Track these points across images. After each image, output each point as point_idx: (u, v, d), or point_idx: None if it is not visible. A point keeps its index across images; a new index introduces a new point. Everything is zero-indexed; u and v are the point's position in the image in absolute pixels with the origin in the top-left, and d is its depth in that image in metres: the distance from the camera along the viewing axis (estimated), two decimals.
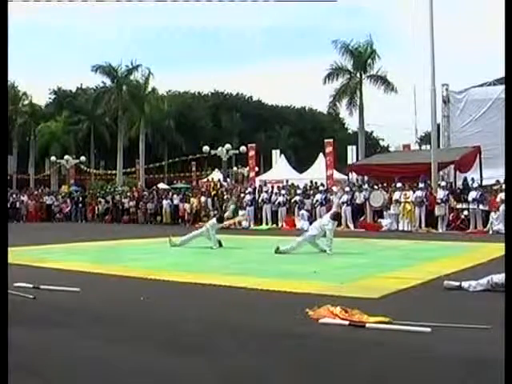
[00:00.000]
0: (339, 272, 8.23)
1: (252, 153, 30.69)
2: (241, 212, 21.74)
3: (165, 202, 24.64)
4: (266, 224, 21.56)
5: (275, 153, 39.62)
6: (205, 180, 38.08)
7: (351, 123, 55.49)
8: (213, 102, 59.30)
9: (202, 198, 23.90)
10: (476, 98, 27.16)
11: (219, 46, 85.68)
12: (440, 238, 15.11)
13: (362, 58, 32.54)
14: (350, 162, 33.25)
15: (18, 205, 27.13)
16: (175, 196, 24.98)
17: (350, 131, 59.65)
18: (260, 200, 22.18)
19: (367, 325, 4.58)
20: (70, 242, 13.95)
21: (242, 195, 22.98)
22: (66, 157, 36.20)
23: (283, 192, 22.17)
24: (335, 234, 11.11)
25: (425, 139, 47.40)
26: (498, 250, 9.62)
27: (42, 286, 6.47)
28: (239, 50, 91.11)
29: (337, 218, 12.09)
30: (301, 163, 39.70)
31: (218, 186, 27.05)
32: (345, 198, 20.17)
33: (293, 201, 21.55)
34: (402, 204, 18.88)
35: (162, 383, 3.39)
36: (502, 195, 16.19)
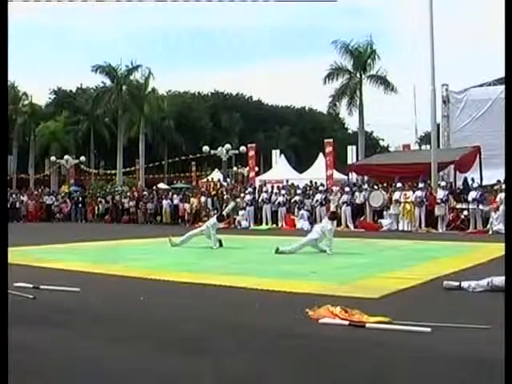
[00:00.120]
0: (339, 272, 8.23)
1: (252, 153, 30.70)
2: (241, 212, 21.78)
3: (165, 202, 24.64)
4: (266, 224, 21.56)
5: (275, 153, 39.65)
6: (205, 180, 38.14)
7: (351, 123, 55.63)
8: (213, 102, 59.30)
9: (202, 198, 23.90)
10: (476, 98, 27.20)
11: (219, 45, 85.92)
12: (440, 238, 15.10)
13: (361, 58, 32.51)
14: (349, 162, 33.22)
15: (17, 205, 27.15)
16: (175, 196, 24.98)
17: (349, 131, 59.67)
18: (260, 200, 22.18)
19: (367, 325, 4.58)
20: (70, 242, 13.92)
21: (242, 195, 22.98)
22: (66, 157, 36.13)
23: (283, 192, 22.18)
24: (335, 234, 11.11)
25: (425, 139, 47.44)
26: (498, 250, 9.60)
27: (41, 286, 6.46)
28: (239, 50, 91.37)
29: (335, 217, 12.04)
30: (301, 163, 39.75)
31: (218, 186, 27.08)
32: (345, 197, 20.18)
33: (293, 201, 21.55)
34: (402, 204, 18.88)
35: (161, 383, 3.38)
36: (501, 195, 16.20)
